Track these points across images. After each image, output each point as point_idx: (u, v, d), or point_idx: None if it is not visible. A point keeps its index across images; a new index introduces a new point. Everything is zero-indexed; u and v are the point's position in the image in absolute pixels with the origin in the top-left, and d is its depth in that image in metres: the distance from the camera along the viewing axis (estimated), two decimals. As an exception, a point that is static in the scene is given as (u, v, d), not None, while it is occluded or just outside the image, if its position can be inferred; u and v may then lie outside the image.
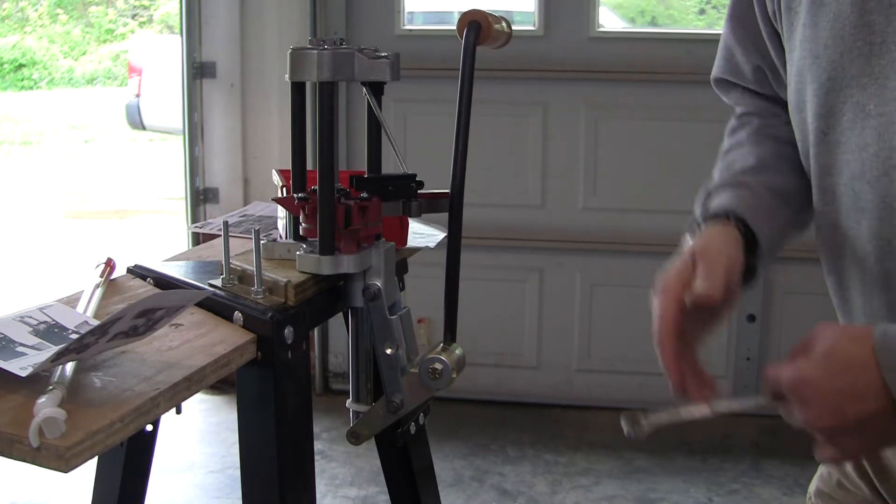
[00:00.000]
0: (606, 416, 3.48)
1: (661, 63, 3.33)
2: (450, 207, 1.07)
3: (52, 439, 0.79)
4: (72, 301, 1.12)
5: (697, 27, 4.48)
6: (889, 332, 0.81)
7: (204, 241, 1.48)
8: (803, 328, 0.90)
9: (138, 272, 1.23)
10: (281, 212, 1.26)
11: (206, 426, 3.44)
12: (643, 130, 3.42)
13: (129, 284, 1.21)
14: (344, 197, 1.09)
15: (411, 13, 3.56)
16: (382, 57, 1.09)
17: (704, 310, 0.93)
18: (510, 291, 3.57)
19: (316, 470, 1.17)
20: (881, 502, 1.08)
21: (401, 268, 1.34)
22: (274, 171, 1.38)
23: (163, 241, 6.35)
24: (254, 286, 1.09)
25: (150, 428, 1.26)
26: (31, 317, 1.01)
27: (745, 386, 3.41)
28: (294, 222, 1.18)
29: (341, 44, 1.07)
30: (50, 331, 0.99)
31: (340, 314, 1.22)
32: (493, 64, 2.71)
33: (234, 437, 1.10)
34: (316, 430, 2.56)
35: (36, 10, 15.15)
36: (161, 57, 7.74)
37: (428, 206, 1.13)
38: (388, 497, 1.43)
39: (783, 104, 1.07)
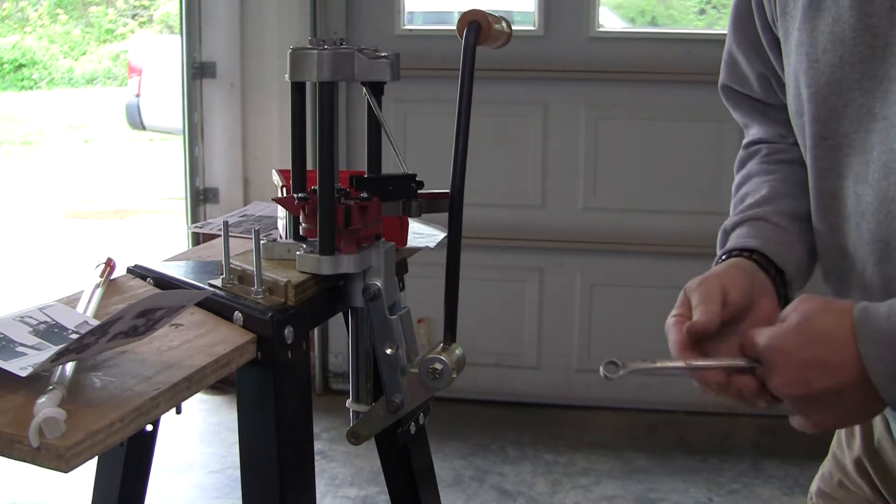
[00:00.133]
0: (606, 416, 3.48)
1: (661, 63, 3.33)
2: (450, 207, 1.07)
3: (52, 439, 0.79)
4: (72, 301, 1.12)
5: (697, 27, 4.48)
6: (870, 308, 0.82)
7: (204, 241, 1.48)
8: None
9: (138, 272, 1.23)
10: (281, 212, 1.26)
11: (206, 426, 3.44)
12: (643, 130, 3.42)
13: (129, 284, 1.21)
14: (344, 197, 1.09)
15: (411, 13, 3.56)
16: (382, 57, 1.09)
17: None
18: (510, 291, 3.57)
19: (316, 470, 1.17)
20: (882, 502, 1.08)
21: (401, 268, 1.34)
22: (274, 171, 1.38)
23: (163, 241, 6.35)
24: (254, 286, 1.09)
25: (150, 428, 1.26)
26: (31, 317, 1.01)
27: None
28: (294, 222, 1.18)
29: (341, 44, 1.07)
30: (50, 331, 0.99)
31: (340, 314, 1.22)
32: (493, 64, 2.71)
33: (234, 437, 1.10)
34: (316, 430, 2.56)
35: (36, 10, 15.15)
36: (161, 57, 7.73)
37: (428, 206, 1.13)
38: (388, 497, 1.43)
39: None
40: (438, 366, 1.05)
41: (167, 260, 1.32)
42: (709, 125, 3.21)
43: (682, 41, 3.37)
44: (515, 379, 3.60)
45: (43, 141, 11.23)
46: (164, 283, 1.19)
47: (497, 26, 1.08)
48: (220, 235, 1.13)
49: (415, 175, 1.13)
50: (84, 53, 15.01)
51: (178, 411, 1.00)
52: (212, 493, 2.97)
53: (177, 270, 1.23)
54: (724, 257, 1.01)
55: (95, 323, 0.98)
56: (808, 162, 0.99)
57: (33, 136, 11.41)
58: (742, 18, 1.08)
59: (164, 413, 0.92)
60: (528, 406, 3.58)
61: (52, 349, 0.93)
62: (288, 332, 1.05)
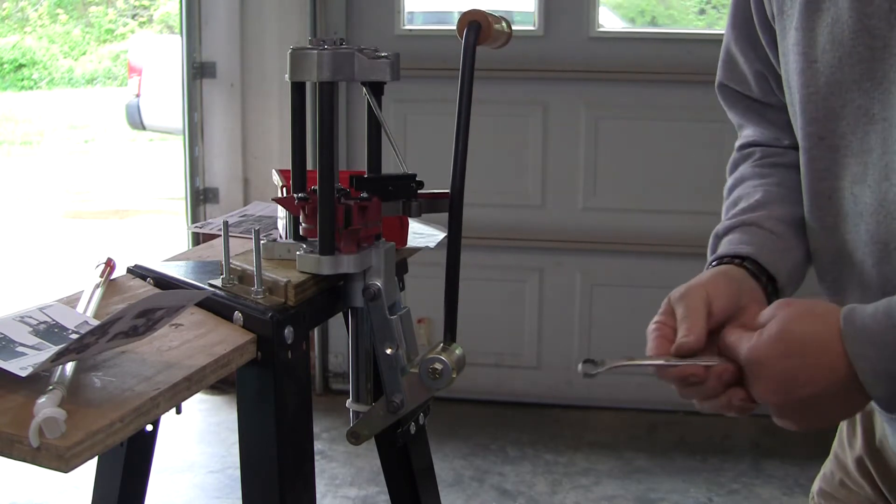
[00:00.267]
0: (606, 416, 3.48)
1: (661, 63, 3.33)
2: (450, 207, 1.07)
3: (52, 439, 0.79)
4: (72, 301, 1.12)
5: (697, 27, 4.49)
6: (856, 308, 0.83)
7: (204, 241, 1.48)
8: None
9: (138, 272, 1.23)
10: (281, 212, 1.26)
11: (206, 426, 3.44)
12: (643, 130, 3.42)
13: (129, 284, 1.21)
14: (344, 197, 1.09)
15: (411, 13, 3.56)
16: (382, 57, 1.09)
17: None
18: (510, 291, 3.57)
19: (316, 470, 1.17)
20: (883, 502, 1.08)
21: (401, 268, 1.34)
22: (274, 171, 1.38)
23: (163, 241, 6.35)
24: (254, 286, 1.09)
25: (150, 428, 1.26)
26: (31, 317, 1.01)
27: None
28: (294, 222, 1.18)
29: (341, 44, 1.07)
30: (50, 331, 0.99)
31: (340, 314, 1.22)
32: (493, 64, 2.71)
33: (234, 437, 1.10)
34: (316, 430, 2.56)
35: (36, 10, 15.15)
36: (161, 57, 7.74)
37: (428, 206, 1.13)
38: (388, 497, 1.43)
39: (787, 118, 1.06)
40: (438, 366, 1.05)
41: (167, 260, 1.32)
42: (709, 125, 3.20)
43: (682, 41, 3.37)
44: (515, 379, 3.60)
45: (43, 141, 11.23)
46: (164, 283, 1.19)
47: (497, 26, 1.08)
48: (220, 235, 1.13)
49: (415, 175, 1.13)
50: (84, 53, 15.01)
51: (178, 411, 1.00)
52: (212, 493, 2.97)
53: (177, 270, 1.23)
54: (714, 263, 1.00)
55: (95, 323, 0.98)
56: (804, 162, 0.99)
57: (33, 136, 11.41)
58: (741, 15, 1.08)
59: (164, 413, 0.92)
60: (528, 406, 3.58)
61: (52, 349, 0.93)
62: (288, 332, 1.05)
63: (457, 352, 1.08)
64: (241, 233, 1.41)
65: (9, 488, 2.93)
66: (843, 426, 1.15)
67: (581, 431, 3.40)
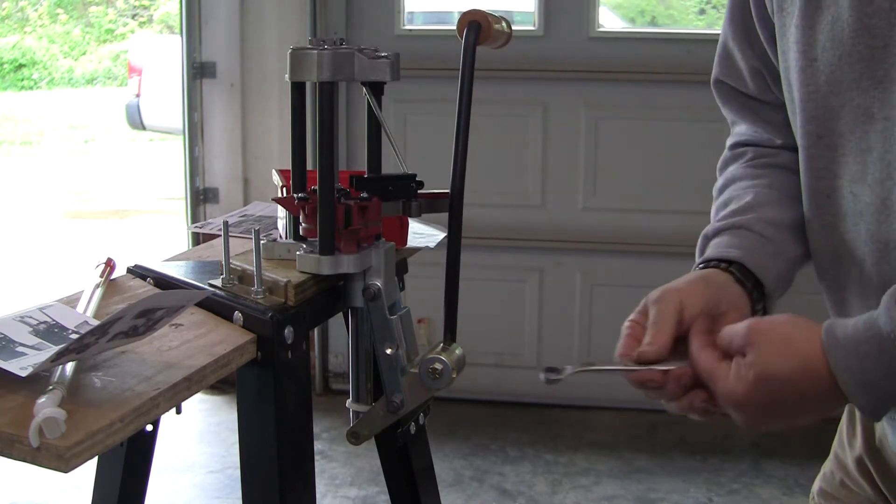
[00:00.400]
0: (606, 416, 3.48)
1: (661, 63, 3.33)
2: (450, 207, 1.06)
3: (52, 439, 0.79)
4: (72, 301, 1.12)
5: (697, 27, 4.49)
6: (836, 322, 0.83)
7: (204, 241, 1.48)
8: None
9: (138, 272, 1.23)
10: (281, 212, 1.26)
11: (206, 426, 3.44)
12: (643, 130, 3.42)
13: (129, 284, 1.21)
14: (344, 197, 1.09)
15: (411, 13, 3.56)
16: (382, 57, 1.09)
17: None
18: (510, 291, 3.57)
19: (316, 470, 1.17)
20: (883, 502, 1.08)
21: (401, 268, 1.34)
22: (274, 171, 1.38)
23: (163, 241, 6.35)
24: (254, 286, 1.09)
25: (150, 428, 1.26)
26: (31, 317, 1.01)
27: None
28: (294, 222, 1.18)
29: (341, 44, 1.06)
30: (50, 331, 0.99)
31: (340, 314, 1.22)
32: (493, 64, 2.71)
33: (234, 437, 1.10)
34: (316, 430, 2.56)
35: (36, 10, 15.15)
36: (161, 57, 7.74)
37: (428, 206, 1.13)
38: (388, 497, 1.43)
39: (783, 116, 1.06)
40: (438, 366, 1.05)
41: (167, 260, 1.32)
42: (709, 125, 3.18)
43: (682, 41, 3.37)
44: (515, 379, 3.60)
45: (43, 141, 11.23)
46: (164, 283, 1.19)
47: (497, 26, 1.08)
48: (220, 235, 1.13)
49: (415, 175, 1.13)
50: (84, 53, 15.01)
51: (178, 411, 1.00)
52: (212, 493, 2.97)
53: (177, 270, 1.23)
54: (700, 266, 1.00)
55: (95, 323, 0.98)
56: (803, 160, 0.99)
57: (33, 136, 11.41)
58: (739, 11, 1.07)
59: (164, 413, 0.92)
60: (528, 406, 3.58)
61: (52, 349, 0.93)
62: (288, 332, 1.05)
63: (457, 352, 1.08)
64: (241, 233, 1.41)
65: (9, 488, 2.93)
66: (843, 426, 1.15)
67: (581, 431, 3.40)
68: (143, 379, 0.91)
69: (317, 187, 1.06)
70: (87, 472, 1.09)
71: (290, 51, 1.07)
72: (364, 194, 1.09)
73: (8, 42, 14.55)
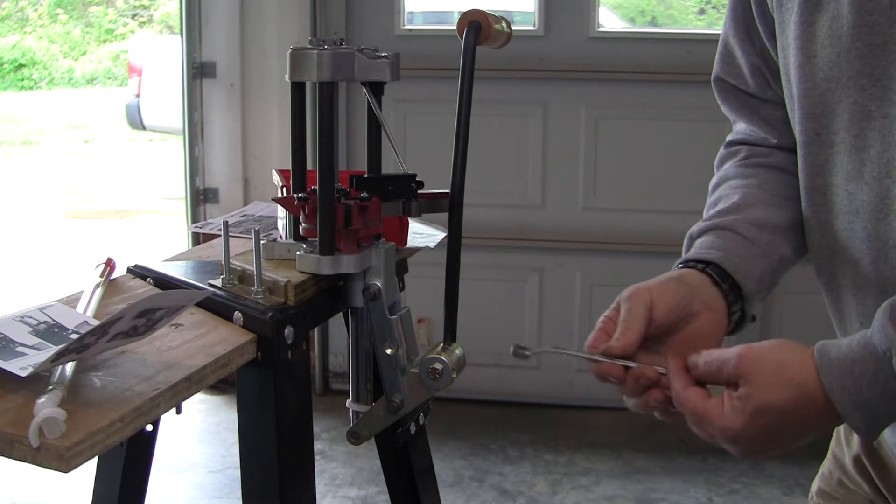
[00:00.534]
0: (606, 416, 3.48)
1: (661, 63, 3.33)
2: (450, 207, 1.07)
3: (52, 439, 0.79)
4: (72, 301, 1.12)
5: (697, 27, 4.49)
6: (828, 343, 0.83)
7: (204, 241, 1.48)
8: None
9: (138, 272, 1.23)
10: (281, 212, 1.26)
11: (206, 426, 3.44)
12: (643, 130, 3.42)
13: (129, 284, 1.21)
14: (344, 197, 1.09)
15: (411, 13, 3.56)
16: (382, 57, 1.09)
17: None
18: (510, 291, 3.57)
19: (316, 470, 1.17)
20: (881, 500, 1.08)
21: (401, 268, 1.34)
22: (274, 171, 1.38)
23: (163, 241, 6.35)
24: (254, 286, 1.09)
25: (150, 428, 1.26)
26: (31, 317, 1.01)
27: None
28: (294, 222, 1.17)
29: (341, 44, 1.06)
30: (50, 331, 0.99)
31: (340, 314, 1.22)
32: (493, 64, 2.71)
33: (234, 437, 1.10)
34: (316, 430, 2.56)
35: (36, 10, 15.15)
36: (161, 57, 7.74)
37: (428, 206, 1.13)
38: (388, 497, 1.43)
39: (782, 115, 1.06)
40: (438, 366, 1.05)
41: (167, 260, 1.32)
42: (709, 125, 3.19)
43: (681, 41, 3.37)
44: (515, 379, 3.60)
45: (43, 141, 11.23)
46: (164, 283, 1.19)
47: (497, 26, 1.08)
48: (220, 235, 1.13)
49: (415, 175, 1.13)
50: (84, 53, 15.01)
51: (178, 411, 1.00)
52: (212, 493, 2.97)
53: (177, 270, 1.23)
54: (680, 266, 1.00)
55: (95, 323, 0.98)
56: (801, 157, 0.98)
57: (33, 136, 11.41)
58: (740, 7, 1.07)
59: (164, 413, 0.92)
60: (528, 406, 3.58)
61: (52, 349, 0.93)
62: (288, 332, 1.05)
63: (457, 352, 1.08)
64: (241, 233, 1.42)
65: (9, 488, 2.93)
66: (841, 426, 1.15)
67: (581, 431, 3.40)
68: (143, 379, 0.91)
69: (317, 187, 1.06)
70: (87, 472, 1.09)
71: (290, 51, 1.07)
72: (364, 194, 1.09)
73: (8, 42, 14.55)
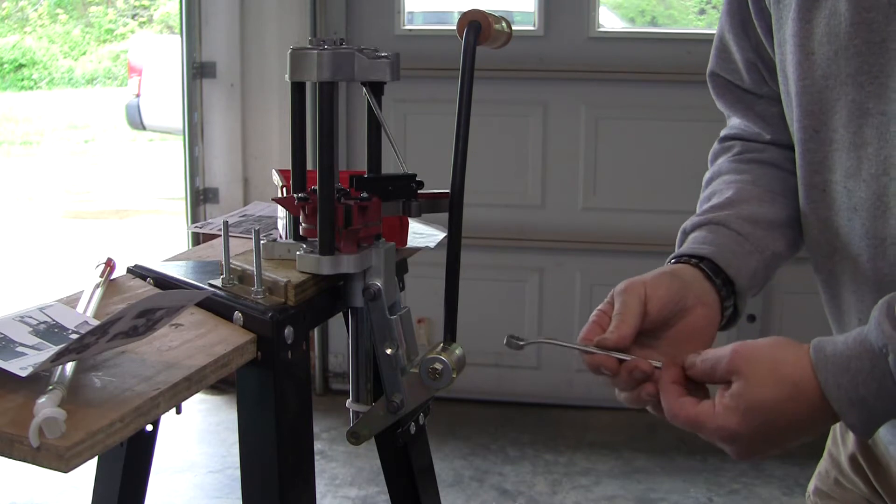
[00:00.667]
0: (606, 416, 3.48)
1: (661, 63, 3.33)
2: (450, 207, 1.06)
3: (52, 439, 0.79)
4: (72, 301, 1.12)
5: (697, 27, 4.49)
6: (824, 340, 0.83)
7: (204, 241, 1.47)
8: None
9: (138, 272, 1.23)
10: (281, 212, 1.26)
11: (206, 426, 3.44)
12: (643, 130, 3.42)
13: (129, 284, 1.21)
14: (344, 197, 1.09)
15: (411, 13, 3.56)
16: (382, 57, 1.09)
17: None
18: (510, 291, 3.57)
19: (316, 470, 1.17)
20: (878, 499, 1.08)
21: (401, 268, 1.34)
22: (274, 171, 1.38)
23: (163, 241, 6.35)
24: (254, 286, 1.09)
25: (150, 428, 1.26)
26: (31, 317, 1.01)
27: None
28: (294, 222, 1.17)
29: (341, 44, 1.06)
30: (50, 331, 0.99)
31: (340, 314, 1.22)
32: (493, 64, 2.71)
33: (234, 437, 1.10)
34: (316, 430, 2.56)
35: (36, 10, 15.15)
36: (161, 57, 7.74)
37: (428, 206, 1.13)
38: (388, 497, 1.43)
39: (777, 111, 1.06)
40: (438, 366, 1.05)
41: (167, 260, 1.32)
42: (709, 125, 3.18)
43: (681, 41, 3.37)
44: (515, 379, 3.60)
45: (43, 141, 11.23)
46: (164, 283, 1.19)
47: (497, 26, 1.08)
48: (220, 235, 1.13)
49: (415, 175, 1.13)
50: (84, 53, 15.01)
51: (178, 411, 1.00)
52: (212, 493, 2.97)
53: (177, 270, 1.23)
54: (672, 261, 1.00)
55: (95, 323, 0.98)
56: (799, 154, 0.98)
57: (33, 136, 11.41)
58: (736, 2, 1.07)
59: (164, 413, 0.92)
60: (528, 406, 3.58)
61: (52, 349, 0.93)
62: (288, 332, 1.05)
63: (457, 352, 1.08)
64: (241, 233, 1.41)
65: (9, 488, 2.93)
66: (836, 424, 1.15)
67: (581, 431, 3.40)
68: (143, 379, 0.91)
69: (317, 187, 1.06)
70: (87, 472, 1.09)
71: (290, 51, 1.07)
72: (364, 194, 1.09)
73: (8, 42, 14.55)
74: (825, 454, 1.17)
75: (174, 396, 0.92)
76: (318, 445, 3.16)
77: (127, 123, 8.55)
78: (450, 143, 1.04)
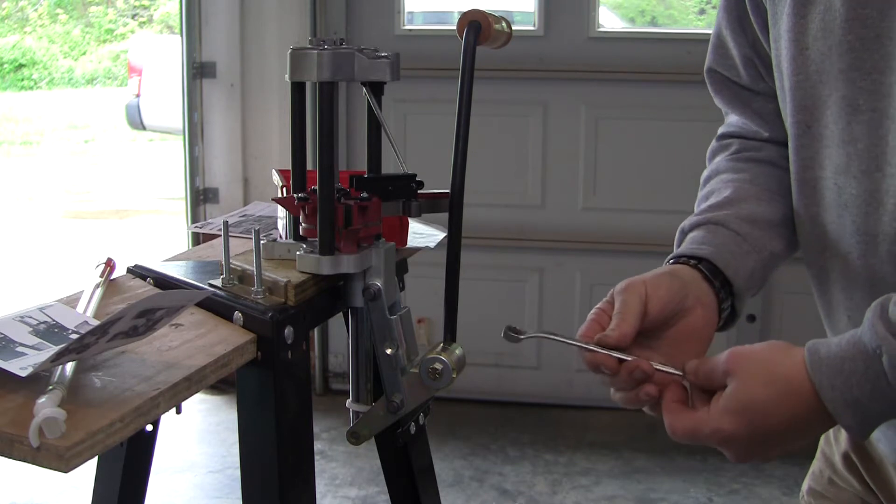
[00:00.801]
0: (606, 416, 3.48)
1: (661, 63, 3.33)
2: (450, 207, 1.06)
3: (52, 439, 0.79)
4: (72, 301, 1.12)
5: (697, 27, 4.49)
6: (818, 342, 0.82)
7: (204, 241, 1.47)
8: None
9: (138, 272, 1.23)
10: (281, 212, 1.26)
11: (206, 426, 3.44)
12: (643, 130, 3.42)
13: (129, 284, 1.21)
14: (344, 197, 1.09)
15: (411, 13, 3.56)
16: (382, 57, 1.09)
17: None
18: (510, 291, 3.57)
19: (316, 470, 1.17)
20: (871, 496, 1.08)
21: (401, 268, 1.34)
22: (274, 171, 1.38)
23: (163, 241, 6.35)
24: (254, 286, 1.09)
25: (150, 428, 1.26)
26: (31, 317, 1.01)
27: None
28: (294, 222, 1.17)
29: (341, 44, 1.06)
30: (50, 331, 0.99)
31: (340, 314, 1.22)
32: (493, 64, 2.71)
33: (234, 437, 1.10)
34: (316, 430, 2.56)
35: (36, 10, 15.15)
36: (161, 57, 7.74)
37: (428, 206, 1.13)
38: (388, 497, 1.43)
39: (773, 107, 1.05)
40: (438, 366, 1.05)
41: (167, 260, 1.32)
42: (709, 125, 3.18)
43: (681, 41, 3.37)
44: (515, 379, 3.60)
45: (43, 141, 11.23)
46: (164, 283, 1.19)
47: (497, 26, 1.08)
48: (220, 235, 1.13)
49: (415, 175, 1.13)
50: (84, 53, 15.01)
51: (178, 411, 1.00)
52: (212, 493, 2.97)
53: (177, 270, 1.23)
54: (671, 261, 1.00)
55: (95, 323, 0.98)
56: (792, 150, 0.98)
57: (33, 136, 11.41)
58: (733, 1, 1.07)
59: (164, 413, 0.92)
60: (528, 406, 3.58)
61: (52, 349, 0.93)
62: (288, 332, 1.05)
63: (457, 352, 1.07)
64: (241, 233, 1.41)
65: (9, 488, 2.93)
66: None
67: (581, 431, 3.40)
68: (143, 379, 0.91)
69: (317, 187, 1.06)
70: (87, 472, 1.09)
71: (290, 51, 1.07)
72: (364, 194, 1.09)
73: (8, 42, 14.55)
74: (818, 454, 1.17)
75: (174, 396, 0.92)
76: (318, 445, 3.16)
77: (127, 123, 8.55)
78: (450, 143, 1.04)
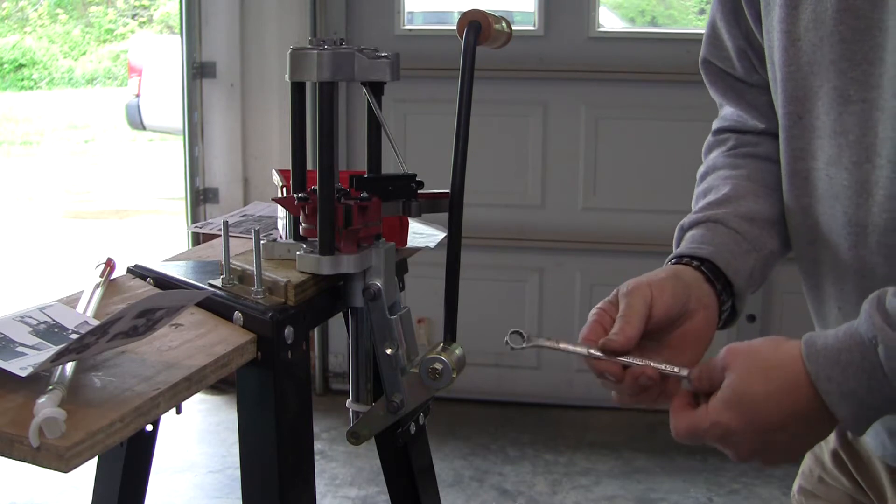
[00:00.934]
0: (606, 416, 3.48)
1: (661, 63, 3.33)
2: (450, 207, 1.06)
3: (52, 439, 0.79)
4: (72, 301, 1.12)
5: (697, 27, 4.48)
6: (815, 334, 0.82)
7: (204, 241, 1.48)
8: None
9: (138, 272, 1.23)
10: (281, 212, 1.26)
11: (206, 426, 3.44)
12: (643, 130, 3.42)
13: (129, 284, 1.21)
14: (344, 197, 1.09)
15: (411, 13, 3.56)
16: (382, 57, 1.09)
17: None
18: (510, 291, 3.57)
19: (316, 470, 1.17)
20: (861, 494, 1.08)
21: (401, 268, 1.34)
22: (274, 171, 1.38)
23: (163, 241, 6.35)
24: (254, 286, 1.09)
25: (150, 428, 1.26)
26: (31, 317, 1.01)
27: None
28: (294, 222, 1.18)
29: (341, 44, 1.07)
30: (50, 331, 0.99)
31: (340, 314, 1.22)
32: (493, 64, 2.71)
33: (234, 437, 1.10)
34: (316, 430, 2.56)
35: (36, 10, 15.15)
36: (161, 57, 7.74)
37: (428, 206, 1.13)
38: (388, 497, 1.43)
39: (768, 99, 1.05)
40: (438, 366, 1.05)
41: (167, 260, 1.32)
42: (709, 125, 3.20)
43: (681, 41, 3.37)
44: (515, 379, 3.60)
45: (43, 141, 11.23)
46: (164, 283, 1.19)
47: (497, 26, 1.08)
48: (220, 235, 1.13)
49: (415, 175, 1.13)
50: (84, 53, 15.01)
51: (178, 411, 1.00)
52: (212, 493, 2.97)
53: (177, 270, 1.23)
54: (672, 261, 0.99)
55: (95, 323, 0.98)
56: (783, 141, 0.99)
57: (33, 136, 11.41)
58: None
59: (164, 413, 0.92)
60: (528, 406, 3.58)
61: (52, 349, 0.93)
62: (288, 332, 1.05)
63: (457, 352, 1.07)
64: (241, 233, 1.42)
65: (9, 488, 2.94)
66: None
67: (581, 431, 3.40)
68: (143, 379, 0.91)
69: (317, 187, 1.06)
70: (87, 472, 1.09)
71: (290, 51, 1.07)
72: (364, 194, 1.09)
73: (8, 42, 14.55)
74: (808, 453, 1.17)
75: (174, 396, 0.92)
76: (318, 445, 3.16)
77: (127, 123, 8.55)
78: (450, 143, 1.04)
